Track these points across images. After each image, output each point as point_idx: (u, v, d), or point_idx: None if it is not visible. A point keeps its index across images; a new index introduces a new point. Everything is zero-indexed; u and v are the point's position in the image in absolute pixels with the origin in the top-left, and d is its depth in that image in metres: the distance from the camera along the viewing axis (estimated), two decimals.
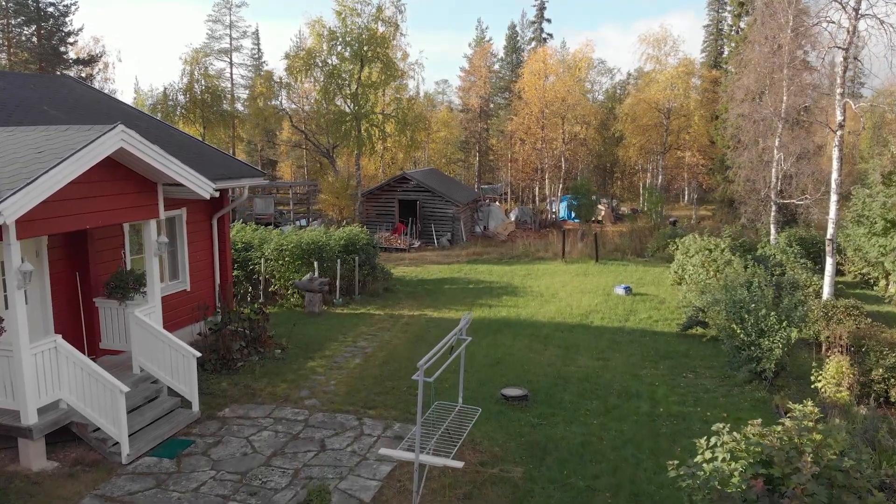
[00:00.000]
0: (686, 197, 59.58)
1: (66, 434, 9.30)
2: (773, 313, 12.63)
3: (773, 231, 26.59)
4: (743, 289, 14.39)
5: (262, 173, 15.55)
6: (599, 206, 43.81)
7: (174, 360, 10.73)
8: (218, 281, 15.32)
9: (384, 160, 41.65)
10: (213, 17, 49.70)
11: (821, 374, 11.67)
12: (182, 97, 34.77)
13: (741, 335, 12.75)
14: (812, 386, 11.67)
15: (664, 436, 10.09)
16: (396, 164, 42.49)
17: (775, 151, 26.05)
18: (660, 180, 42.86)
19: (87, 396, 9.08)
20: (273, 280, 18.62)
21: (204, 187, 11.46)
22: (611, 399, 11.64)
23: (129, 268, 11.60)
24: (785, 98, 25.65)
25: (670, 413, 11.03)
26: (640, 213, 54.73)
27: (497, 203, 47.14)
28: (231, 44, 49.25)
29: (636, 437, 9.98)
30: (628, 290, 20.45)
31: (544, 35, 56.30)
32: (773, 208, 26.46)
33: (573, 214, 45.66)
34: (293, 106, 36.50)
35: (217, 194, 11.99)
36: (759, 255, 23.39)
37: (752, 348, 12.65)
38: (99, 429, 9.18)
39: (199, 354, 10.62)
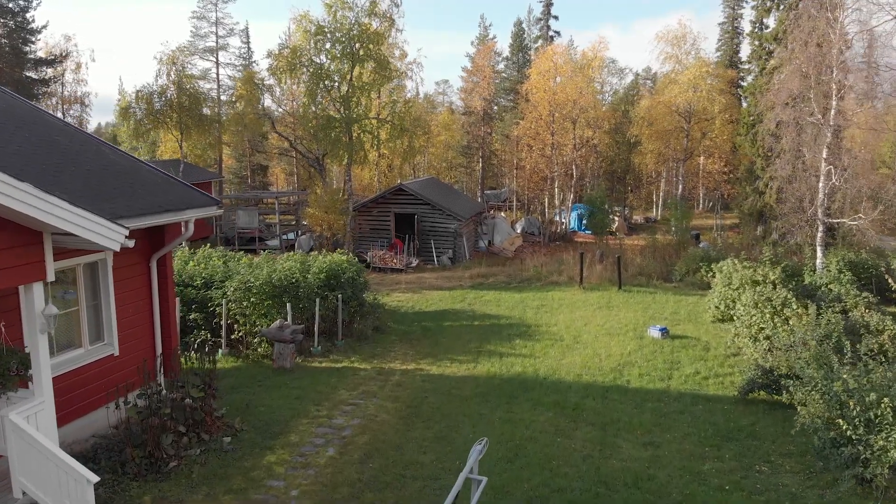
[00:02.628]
0: (701, 204, 56.29)
1: None
2: (885, 399, 9.38)
3: (819, 254, 23.28)
4: (831, 354, 11.17)
5: (215, 201, 12.31)
6: (612, 216, 40.51)
7: (65, 484, 7.56)
8: (160, 339, 12.11)
9: (380, 168, 38.39)
10: (198, 13, 46.42)
11: None
12: (157, 100, 31.53)
13: (845, 428, 9.49)
14: None
15: None
16: (394, 172, 39.24)
17: (822, 163, 22.78)
18: (680, 189, 39.55)
19: None
20: (236, 325, 15.36)
21: (109, 235, 8.21)
22: None
23: (16, 346, 8.35)
24: (834, 103, 22.44)
25: None
26: (655, 222, 51.49)
27: (502, 215, 43.85)
28: (217, 42, 46.01)
29: None
30: (665, 332, 17.20)
31: (551, 33, 52.99)
32: (821, 228, 23.14)
33: (584, 225, 42.39)
34: (282, 109, 33.34)
35: (131, 244, 8.75)
36: (809, 284, 20.15)
37: (858, 446, 9.40)
38: None
39: (96, 479, 7.45)
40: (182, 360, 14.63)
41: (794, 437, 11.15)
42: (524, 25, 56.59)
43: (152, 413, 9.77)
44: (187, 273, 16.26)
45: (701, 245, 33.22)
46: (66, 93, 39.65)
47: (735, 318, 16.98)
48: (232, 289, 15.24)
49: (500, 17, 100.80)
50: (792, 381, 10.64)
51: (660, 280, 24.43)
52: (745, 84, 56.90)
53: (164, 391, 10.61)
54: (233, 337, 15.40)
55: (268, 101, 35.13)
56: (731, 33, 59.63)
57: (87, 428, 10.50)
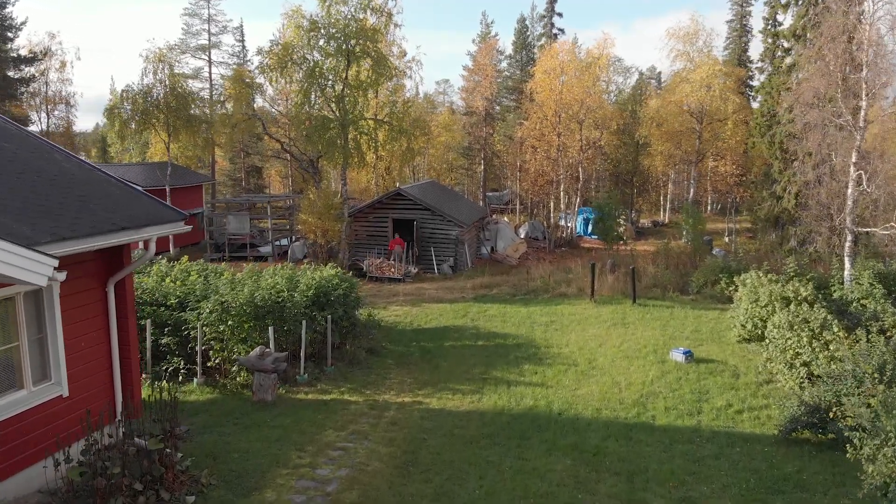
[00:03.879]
0: (709, 207, 54.69)
1: None
2: None
3: (847, 265, 21.66)
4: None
5: (180, 216, 10.72)
6: (620, 220, 38.88)
7: None
8: (119, 375, 10.53)
9: (377, 171, 36.75)
10: (190, 10, 44.88)
11: None
12: (143, 100, 29.91)
13: None
14: None
15: None
16: (392, 175, 37.63)
17: (852, 168, 21.19)
18: (692, 193, 37.88)
19: None
20: (213, 352, 13.76)
21: (31, 268, 6.63)
22: None
23: None
24: (864, 104, 20.86)
25: None
26: (663, 225, 49.88)
27: (505, 220, 42.22)
28: (209, 40, 44.43)
29: None
30: (688, 355, 15.60)
31: (555, 30, 51.35)
32: (849, 238, 21.54)
33: (591, 230, 40.79)
34: (275, 109, 31.72)
35: (62, 277, 7.17)
36: (840, 299, 18.55)
37: None
38: None
39: None
40: (152, 391, 13.07)
41: (848, 487, 9.63)
42: (527, 22, 54.96)
43: (98, 473, 8.18)
44: (162, 291, 14.66)
45: (714, 252, 31.63)
46: (50, 92, 38.10)
47: (767, 340, 15.37)
48: (208, 310, 13.64)
49: (503, 14, 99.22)
50: (858, 434, 9.03)
51: (676, 292, 22.82)
52: (753, 83, 55.55)
53: (121, 435, 9.07)
54: (209, 364, 13.81)
55: (261, 102, 33.63)
56: (740, 31, 58.08)
57: (34, 481, 8.92)
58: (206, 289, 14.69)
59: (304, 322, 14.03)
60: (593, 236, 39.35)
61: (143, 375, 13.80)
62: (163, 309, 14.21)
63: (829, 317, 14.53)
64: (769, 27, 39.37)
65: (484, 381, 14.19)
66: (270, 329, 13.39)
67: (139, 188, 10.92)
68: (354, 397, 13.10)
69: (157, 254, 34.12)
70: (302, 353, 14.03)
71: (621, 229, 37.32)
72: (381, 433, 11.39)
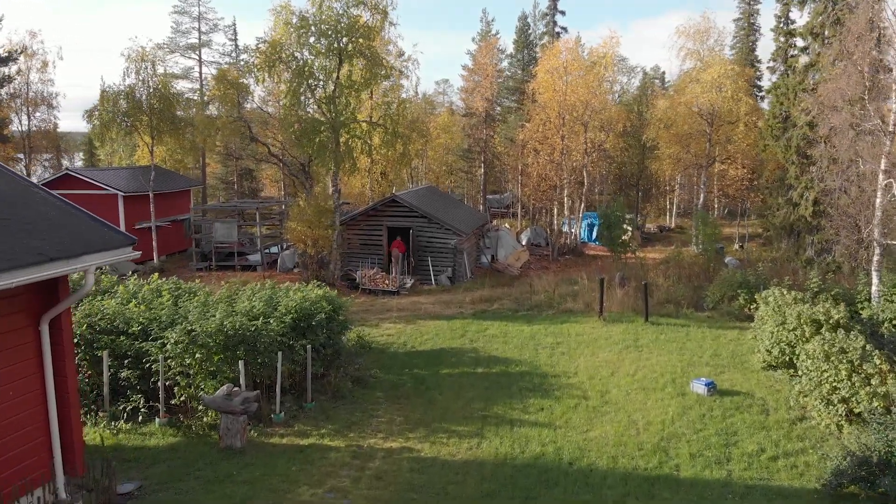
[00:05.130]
0: (717, 211, 53.11)
1: None
2: None
3: (875, 280, 20.07)
4: None
5: (128, 241, 9.14)
6: (626, 226, 37.33)
7: None
8: (56, 428, 8.98)
9: (373, 175, 35.15)
10: (179, 7, 43.33)
11: None
12: (124, 102, 28.37)
13: None
14: None
15: None
16: (388, 178, 36.02)
17: (881, 176, 19.62)
18: (702, 199, 36.26)
19: None
20: (178, 388, 12.19)
21: None
22: None
23: None
24: (895, 106, 19.33)
25: None
26: (669, 230, 48.31)
27: (506, 226, 40.64)
28: (199, 38, 42.87)
29: None
30: (711, 386, 14.03)
31: (557, 29, 49.74)
32: (878, 251, 19.95)
33: (595, 236, 39.21)
34: (262, 110, 30.16)
35: None
36: (870, 319, 17.01)
37: None
38: None
39: None
40: (109, 434, 11.55)
41: None
42: (529, 21, 53.39)
43: None
44: (124, 317, 13.09)
45: (727, 261, 30.05)
46: (31, 93, 36.51)
47: (799, 372, 13.81)
48: (173, 340, 12.07)
49: (504, 13, 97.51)
50: None
51: (690, 308, 21.25)
52: (761, 83, 53.94)
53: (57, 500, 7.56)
54: (173, 402, 12.24)
55: (255, 103, 31.97)
56: (747, 29, 56.50)
57: None
58: (174, 314, 13.11)
59: (279, 354, 12.45)
60: (598, 243, 37.80)
61: (101, 414, 12.27)
62: (123, 338, 12.65)
63: (868, 346, 12.96)
64: (781, 25, 37.75)
65: (484, 419, 12.62)
66: (241, 363, 11.83)
67: (83, 211, 9.34)
68: (336, 441, 11.53)
69: (139, 263, 32.12)
70: (278, 389, 12.46)
71: (627, 236, 35.80)
72: (364, 490, 9.82)
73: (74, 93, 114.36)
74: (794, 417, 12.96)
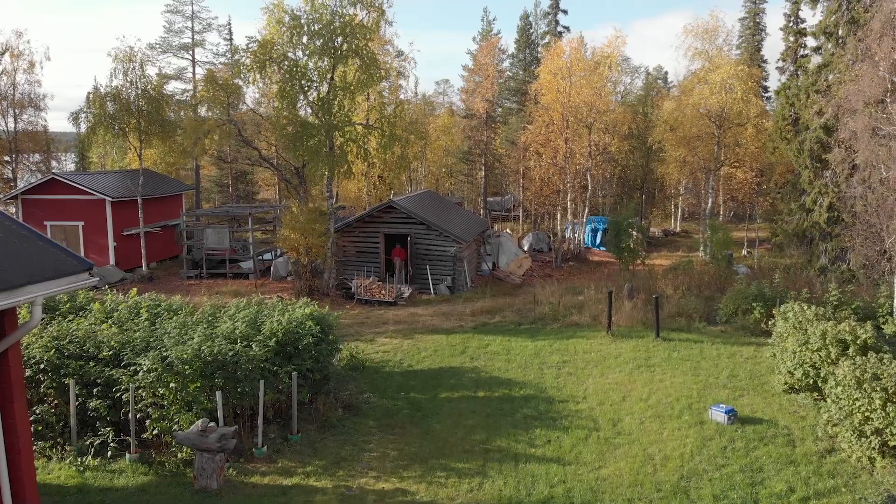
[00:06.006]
0: (722, 215, 52.03)
1: None
2: None
3: None
4: None
5: (84, 265, 8.09)
6: (631, 231, 36.27)
7: None
8: (6, 480, 7.93)
9: (369, 178, 34.08)
10: (172, 6, 42.28)
11: None
12: (111, 104, 27.33)
13: None
14: None
15: None
16: (386, 182, 34.95)
17: None
18: (710, 203, 35.17)
19: None
20: (150, 421, 11.11)
21: None
22: None
23: None
24: None
25: None
26: (674, 234, 47.25)
27: (508, 231, 39.56)
28: (193, 38, 41.83)
29: None
30: (731, 414, 12.96)
31: (560, 28, 48.76)
32: None
33: (599, 242, 38.17)
34: (259, 113, 29.08)
35: None
36: (893, 337, 15.99)
37: None
38: None
39: None
40: (74, 472, 10.48)
41: None
42: (531, 20, 52.31)
43: None
44: (95, 340, 12.02)
45: (737, 269, 28.99)
46: (18, 94, 35.46)
47: (827, 399, 12.73)
48: (145, 368, 11.01)
49: (505, 12, 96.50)
50: None
51: (702, 321, 20.18)
52: (768, 84, 52.90)
53: None
54: (145, 436, 11.18)
55: (249, 104, 30.89)
56: (753, 29, 55.47)
57: None
58: (149, 337, 12.05)
59: (262, 382, 11.38)
60: (602, 248, 36.74)
61: (67, 447, 11.21)
62: (92, 364, 11.58)
63: None
64: (791, 24, 36.68)
65: (486, 453, 11.54)
66: (218, 394, 10.76)
67: (35, 232, 8.30)
68: (322, 482, 10.45)
69: (128, 270, 30.74)
70: (259, 421, 11.39)
71: (633, 242, 34.75)
72: None
73: (74, 93, 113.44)
74: (822, 449, 11.89)
